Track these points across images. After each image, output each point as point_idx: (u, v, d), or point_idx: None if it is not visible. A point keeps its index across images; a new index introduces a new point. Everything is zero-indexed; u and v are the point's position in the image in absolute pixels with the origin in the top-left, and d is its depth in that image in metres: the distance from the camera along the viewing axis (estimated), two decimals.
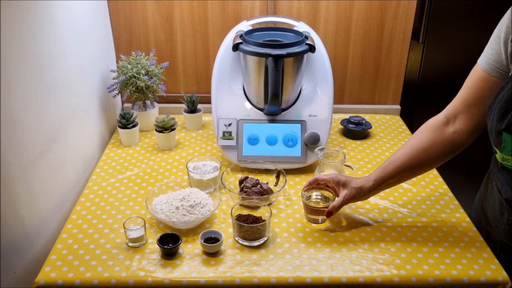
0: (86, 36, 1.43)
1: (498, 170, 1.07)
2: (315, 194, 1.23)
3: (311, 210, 1.19)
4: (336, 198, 1.16)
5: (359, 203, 1.28)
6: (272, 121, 1.42)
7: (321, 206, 1.19)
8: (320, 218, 1.19)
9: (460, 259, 1.09)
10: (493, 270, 1.06)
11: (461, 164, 2.01)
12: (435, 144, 1.11)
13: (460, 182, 1.63)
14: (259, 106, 1.44)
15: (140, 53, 1.60)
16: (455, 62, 1.82)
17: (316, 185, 1.20)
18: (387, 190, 1.33)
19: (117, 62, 1.71)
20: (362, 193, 1.14)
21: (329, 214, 1.14)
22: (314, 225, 1.20)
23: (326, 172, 1.29)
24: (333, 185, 1.17)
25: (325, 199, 1.21)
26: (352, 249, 1.12)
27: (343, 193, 1.14)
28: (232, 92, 1.46)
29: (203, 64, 1.75)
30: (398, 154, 1.14)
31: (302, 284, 1.03)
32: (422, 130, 1.14)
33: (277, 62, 1.29)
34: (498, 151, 1.01)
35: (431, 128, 1.13)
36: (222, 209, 1.25)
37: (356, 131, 1.62)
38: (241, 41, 1.36)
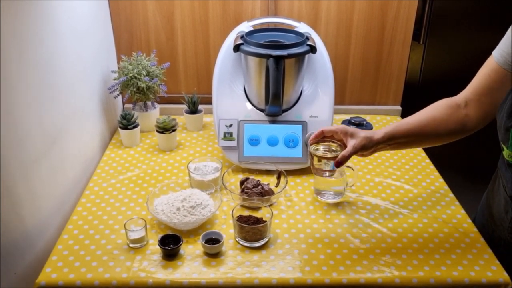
0: (86, 36, 1.43)
1: (505, 168, 1.08)
2: (322, 148, 1.16)
3: (317, 161, 1.14)
4: (346, 148, 1.11)
5: (359, 203, 1.28)
6: (273, 122, 1.42)
7: (329, 156, 1.13)
8: (328, 171, 1.14)
9: (461, 260, 1.09)
10: (494, 271, 1.06)
11: (462, 166, 2.01)
12: (447, 120, 1.12)
13: (461, 183, 1.63)
14: (260, 107, 1.44)
15: (141, 54, 1.60)
16: (456, 62, 1.82)
17: (322, 138, 1.14)
18: (388, 191, 1.34)
19: (118, 62, 1.71)
20: (371, 144, 1.09)
21: (339, 164, 1.09)
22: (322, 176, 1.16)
23: None
24: (341, 136, 1.12)
25: (333, 152, 1.15)
26: (353, 250, 1.12)
27: (352, 142, 1.09)
28: (233, 93, 1.46)
29: (204, 64, 1.75)
30: (411, 118, 1.13)
31: (303, 285, 1.03)
32: (438, 104, 1.14)
33: (278, 63, 1.29)
34: (505, 148, 1.02)
35: (446, 105, 1.13)
36: (223, 210, 1.25)
37: None
38: (242, 41, 1.36)
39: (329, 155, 1.13)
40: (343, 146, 1.12)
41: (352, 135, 1.10)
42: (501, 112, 1.00)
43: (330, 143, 1.15)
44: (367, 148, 1.09)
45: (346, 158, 1.09)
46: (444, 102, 1.14)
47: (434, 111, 1.13)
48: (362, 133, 1.10)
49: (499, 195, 1.13)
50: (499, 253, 1.11)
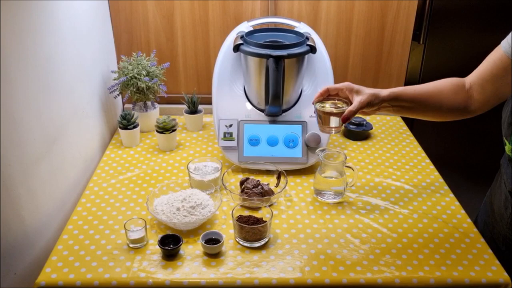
0: (86, 37, 1.43)
1: (506, 164, 1.09)
2: (328, 105, 1.15)
3: (324, 117, 1.12)
4: (352, 104, 1.11)
5: (359, 203, 1.28)
6: (273, 122, 1.42)
7: (336, 112, 1.11)
8: (334, 128, 1.13)
9: (461, 261, 1.09)
10: (494, 271, 1.06)
11: (462, 166, 2.01)
12: (452, 96, 1.13)
13: (461, 183, 1.63)
14: (260, 107, 1.44)
15: (141, 54, 1.60)
16: (456, 63, 1.82)
17: (327, 96, 1.14)
18: (388, 191, 1.34)
19: (117, 63, 1.71)
20: (377, 100, 1.09)
21: (346, 119, 1.09)
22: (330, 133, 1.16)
23: (327, 174, 1.29)
24: (346, 93, 1.12)
25: (339, 108, 1.13)
26: (353, 250, 1.12)
27: (358, 98, 1.09)
28: (233, 93, 1.46)
29: (204, 65, 1.75)
30: (419, 87, 1.14)
31: (303, 285, 1.03)
32: (447, 80, 1.15)
33: (278, 63, 1.29)
34: (507, 143, 1.03)
35: (454, 83, 1.14)
36: (223, 210, 1.25)
37: (357, 132, 1.62)
38: (242, 42, 1.36)
39: (335, 111, 1.12)
40: (349, 103, 1.12)
41: (358, 92, 1.10)
42: (506, 107, 1.01)
43: (336, 101, 1.14)
44: (373, 104, 1.10)
45: (353, 113, 1.09)
46: (452, 80, 1.15)
47: (441, 84, 1.14)
48: (368, 90, 1.11)
49: (500, 191, 1.15)
50: (499, 250, 1.12)
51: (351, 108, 1.09)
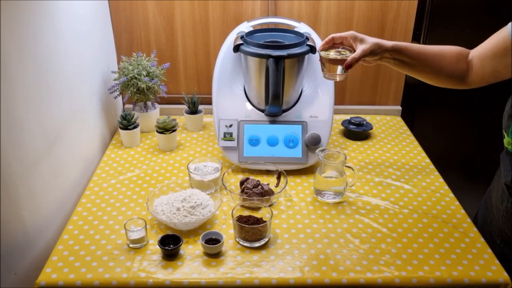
0: (87, 37, 1.43)
1: (504, 157, 1.10)
2: (332, 52, 1.17)
3: (329, 64, 1.15)
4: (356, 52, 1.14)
5: (359, 203, 1.28)
6: (273, 122, 1.42)
7: (339, 58, 1.14)
8: (338, 75, 1.16)
9: (461, 260, 1.09)
10: (494, 271, 1.06)
11: (462, 166, 2.01)
12: (453, 63, 1.15)
13: (461, 183, 1.63)
14: (260, 107, 1.44)
15: (141, 54, 1.60)
16: None
17: (332, 44, 1.17)
18: (388, 191, 1.34)
19: (118, 63, 1.71)
20: (379, 50, 1.13)
21: (349, 66, 1.12)
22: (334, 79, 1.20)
23: (327, 174, 1.29)
24: (350, 42, 1.15)
25: (343, 55, 1.16)
26: (353, 250, 1.12)
27: (361, 46, 1.12)
28: (233, 93, 1.46)
29: (204, 65, 1.75)
30: (423, 46, 1.17)
31: (303, 285, 1.03)
32: (452, 47, 1.17)
33: (278, 63, 1.29)
34: (506, 136, 1.04)
35: (459, 52, 1.16)
36: (223, 210, 1.25)
37: (357, 132, 1.62)
38: (242, 42, 1.36)
39: (338, 57, 1.15)
40: (353, 51, 1.14)
41: (361, 41, 1.14)
42: (510, 100, 1.03)
43: (340, 49, 1.16)
44: (376, 53, 1.13)
45: (356, 60, 1.12)
46: (457, 48, 1.17)
47: (446, 50, 1.16)
48: (372, 39, 1.13)
49: (498, 185, 1.17)
50: (495, 244, 1.14)
51: (354, 55, 1.12)
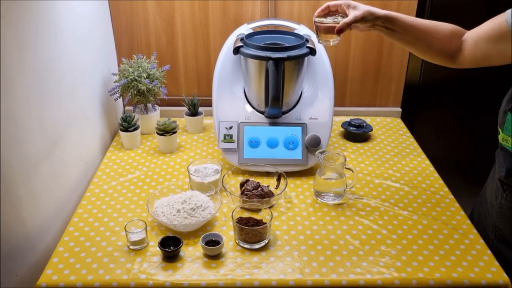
0: (87, 39, 1.44)
1: (499, 153, 1.11)
2: (326, 19, 1.20)
3: (322, 29, 1.19)
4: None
5: (359, 205, 1.28)
6: (273, 124, 1.43)
7: (332, 23, 1.18)
8: (331, 39, 1.20)
9: (461, 262, 1.09)
10: (494, 272, 1.06)
11: (462, 167, 2.01)
12: (445, 40, 1.16)
13: (461, 185, 1.63)
14: (260, 109, 1.44)
15: (142, 56, 1.60)
16: None
17: (328, 12, 1.21)
18: (388, 192, 1.34)
19: (118, 65, 1.72)
20: (371, 16, 1.15)
21: (340, 31, 1.16)
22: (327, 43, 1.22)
23: (327, 175, 1.29)
24: (344, 8, 1.18)
25: (335, 21, 1.20)
26: (353, 251, 1.12)
27: (353, 12, 1.16)
28: (233, 95, 1.46)
29: (204, 67, 1.76)
30: (417, 19, 1.17)
31: (302, 286, 1.03)
32: (447, 25, 1.18)
33: (278, 65, 1.30)
34: (500, 131, 1.06)
35: (453, 30, 1.17)
36: (223, 212, 1.26)
37: (357, 133, 1.63)
38: (242, 44, 1.37)
39: (332, 23, 1.19)
40: (346, 17, 1.18)
41: (354, 7, 1.17)
42: (505, 98, 1.04)
43: (335, 16, 1.20)
44: (367, 20, 1.15)
45: (346, 25, 1.15)
46: (452, 26, 1.18)
47: (439, 26, 1.17)
48: (365, 7, 1.16)
49: (493, 181, 1.18)
50: (489, 239, 1.15)
51: (345, 20, 1.15)
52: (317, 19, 1.20)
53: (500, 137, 1.09)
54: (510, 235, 1.14)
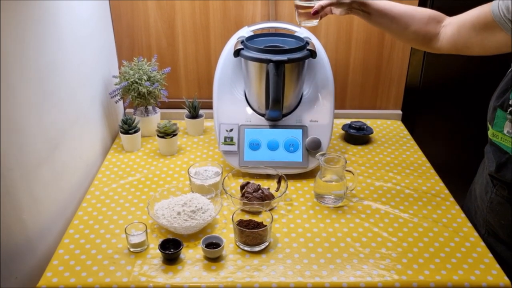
0: (88, 42, 1.44)
1: (488, 148, 1.14)
2: (302, 2, 1.25)
3: (301, 11, 1.24)
4: None
5: (359, 207, 1.28)
6: (273, 126, 1.43)
7: (308, 5, 1.22)
8: (308, 21, 1.25)
9: (462, 264, 1.09)
10: (495, 275, 1.06)
11: (463, 170, 2.01)
12: (421, 24, 1.19)
13: (461, 187, 1.63)
14: (260, 111, 1.44)
15: (142, 59, 1.60)
16: (456, 67, 1.83)
17: None
18: (388, 195, 1.34)
19: (119, 68, 1.72)
20: (348, 0, 1.19)
21: (315, 12, 1.20)
22: (304, 24, 1.27)
23: (328, 178, 1.29)
24: None
25: (311, 2, 1.25)
26: (353, 254, 1.12)
27: None
28: (234, 98, 1.46)
29: (205, 69, 1.76)
30: (394, 5, 1.21)
31: None
32: (425, 10, 1.22)
33: (278, 68, 1.30)
34: (490, 127, 1.08)
35: (431, 16, 1.20)
36: (223, 215, 1.26)
37: (357, 136, 1.63)
38: (242, 47, 1.37)
39: (307, 4, 1.24)
40: None
41: None
42: (494, 95, 1.06)
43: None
44: (343, 3, 1.20)
45: (321, 8, 1.20)
46: (431, 12, 1.21)
47: (417, 10, 1.21)
48: None
49: (482, 177, 1.20)
50: (481, 234, 1.17)
51: (320, 2, 1.20)
52: (296, 2, 1.25)
53: (489, 132, 1.10)
54: (500, 229, 1.16)
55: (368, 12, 1.20)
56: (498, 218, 1.16)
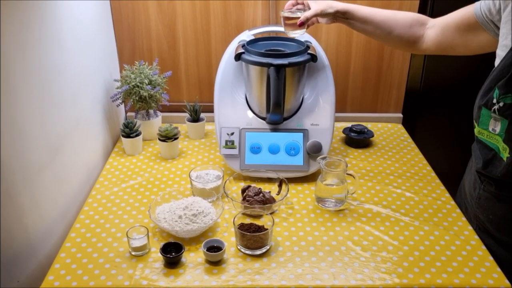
0: (89, 45, 1.45)
1: (475, 146, 1.17)
2: (287, 13, 1.31)
3: (285, 22, 1.30)
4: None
5: (360, 211, 1.28)
6: (274, 130, 1.43)
7: (294, 16, 1.28)
8: (295, 32, 1.30)
9: (463, 268, 1.09)
10: (496, 279, 1.06)
11: (463, 174, 2.01)
12: (405, 28, 1.24)
13: None
14: (261, 115, 1.45)
15: (143, 63, 1.61)
16: (456, 70, 1.83)
17: (295, 6, 1.32)
18: (389, 198, 1.34)
19: (120, 71, 1.72)
20: (330, 9, 1.24)
21: (301, 23, 1.26)
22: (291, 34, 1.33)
23: (329, 181, 1.29)
24: (308, 2, 1.28)
25: (296, 14, 1.30)
26: (354, 258, 1.12)
27: (314, 6, 1.26)
28: (235, 101, 1.47)
29: (206, 73, 1.76)
30: (376, 10, 1.27)
31: None
32: (408, 14, 1.27)
33: (279, 72, 1.30)
34: (476, 125, 1.11)
35: (414, 19, 1.25)
36: (224, 218, 1.26)
37: (358, 139, 1.63)
38: (243, 50, 1.37)
39: (293, 16, 1.29)
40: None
41: (316, 1, 1.27)
42: (479, 94, 1.10)
43: (299, 11, 1.30)
44: (327, 13, 1.25)
45: (306, 19, 1.26)
46: (414, 15, 1.26)
47: (399, 14, 1.26)
48: (325, 0, 1.27)
49: (470, 174, 1.23)
50: (472, 228, 1.21)
51: (305, 14, 1.26)
52: (282, 14, 1.31)
53: (476, 130, 1.13)
54: (489, 224, 1.18)
55: (352, 20, 1.26)
56: (486, 213, 1.18)
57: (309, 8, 1.28)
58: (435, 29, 1.22)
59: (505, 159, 1.06)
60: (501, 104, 1.02)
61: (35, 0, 1.08)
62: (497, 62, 1.06)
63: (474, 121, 1.13)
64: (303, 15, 1.26)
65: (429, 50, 1.25)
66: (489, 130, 1.08)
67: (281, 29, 1.52)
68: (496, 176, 1.10)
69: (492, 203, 1.15)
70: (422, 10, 1.70)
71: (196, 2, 1.64)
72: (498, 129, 1.05)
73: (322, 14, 1.25)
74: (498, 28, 1.07)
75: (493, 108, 1.05)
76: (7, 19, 0.96)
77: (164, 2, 1.64)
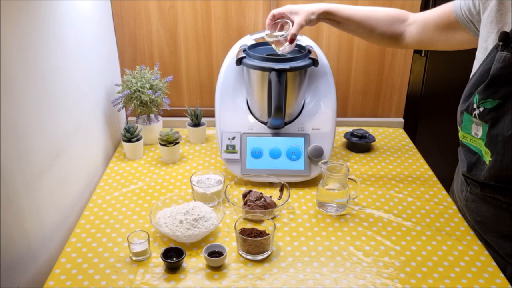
0: (91, 50, 1.45)
1: (460, 150, 1.19)
2: (276, 33, 1.33)
3: (274, 44, 1.33)
4: (293, 26, 1.28)
5: (362, 215, 1.28)
6: (275, 134, 1.43)
7: (281, 39, 1.30)
8: (285, 48, 1.32)
9: (465, 273, 1.08)
10: (499, 284, 1.05)
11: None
12: (386, 25, 1.26)
13: None
14: (262, 119, 1.45)
15: (145, 67, 1.61)
16: (457, 74, 1.82)
17: (275, 20, 1.32)
18: (391, 203, 1.33)
19: (121, 76, 1.73)
20: (313, 16, 1.26)
21: (291, 40, 1.27)
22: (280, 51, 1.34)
23: (330, 186, 1.29)
24: (288, 15, 1.29)
25: (284, 33, 1.32)
26: (356, 263, 1.11)
27: (297, 19, 1.26)
28: (236, 106, 1.46)
29: (207, 78, 1.76)
30: (358, 8, 1.28)
31: None
32: (389, 10, 1.28)
33: (281, 76, 1.30)
34: (460, 130, 1.13)
35: (395, 16, 1.27)
36: (225, 223, 1.25)
37: (359, 144, 1.63)
38: (244, 55, 1.37)
39: (280, 39, 1.31)
40: (292, 23, 1.29)
41: (296, 12, 1.27)
42: (461, 99, 1.11)
43: (283, 24, 1.32)
44: (311, 20, 1.27)
45: (295, 35, 1.27)
46: (395, 12, 1.27)
47: (379, 11, 1.28)
48: (305, 9, 1.27)
49: (458, 177, 1.26)
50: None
51: (292, 31, 1.27)
52: (267, 38, 1.33)
53: (460, 134, 1.15)
54: (477, 225, 1.19)
55: (334, 20, 1.28)
56: (473, 215, 1.19)
57: (291, 20, 1.28)
58: (415, 26, 1.23)
59: (487, 162, 1.06)
60: (481, 109, 1.03)
61: (36, 2, 1.08)
62: (475, 65, 1.08)
63: (458, 125, 1.15)
64: (290, 33, 1.27)
65: (411, 46, 1.27)
66: (472, 134, 1.10)
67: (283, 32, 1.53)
68: (480, 179, 1.11)
69: (478, 205, 1.17)
70: (424, 8, 1.69)
71: (197, 7, 1.64)
72: (480, 133, 1.06)
73: (308, 24, 1.27)
74: (478, 29, 1.08)
75: (473, 113, 1.06)
76: (9, 24, 0.96)
77: (166, 7, 1.64)
